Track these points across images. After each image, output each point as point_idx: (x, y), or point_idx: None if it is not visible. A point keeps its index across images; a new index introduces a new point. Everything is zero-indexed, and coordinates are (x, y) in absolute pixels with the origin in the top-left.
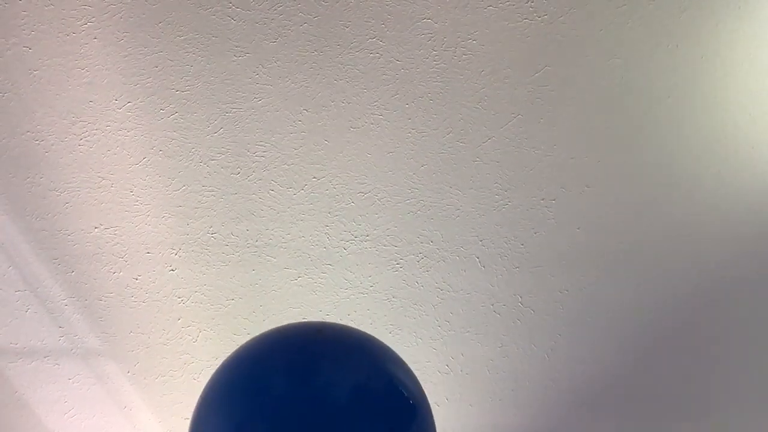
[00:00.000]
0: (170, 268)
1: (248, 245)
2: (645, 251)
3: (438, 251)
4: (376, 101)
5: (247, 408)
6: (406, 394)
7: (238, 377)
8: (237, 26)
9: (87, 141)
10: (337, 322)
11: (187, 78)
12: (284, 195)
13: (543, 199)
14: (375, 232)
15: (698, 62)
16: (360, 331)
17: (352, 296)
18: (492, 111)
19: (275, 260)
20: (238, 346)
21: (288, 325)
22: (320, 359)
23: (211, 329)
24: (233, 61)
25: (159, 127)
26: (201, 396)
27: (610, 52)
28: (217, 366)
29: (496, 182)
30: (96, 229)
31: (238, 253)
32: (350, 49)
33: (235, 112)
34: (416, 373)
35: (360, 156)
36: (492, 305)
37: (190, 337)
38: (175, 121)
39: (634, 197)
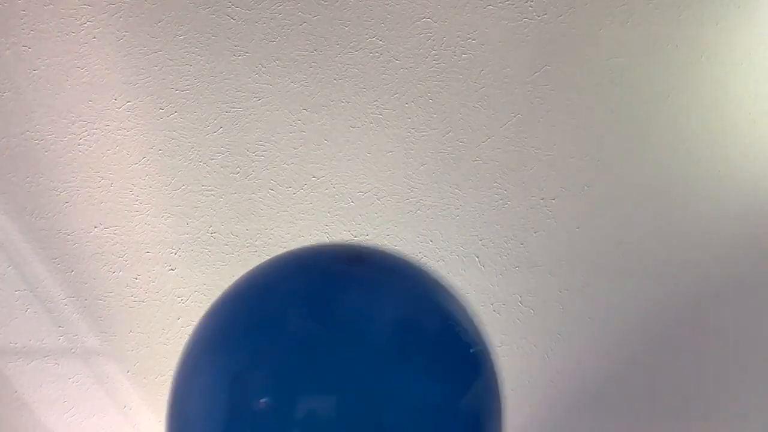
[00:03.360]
0: (170, 267)
1: (248, 245)
2: (645, 251)
3: (438, 251)
4: (376, 101)
5: (248, 349)
6: (467, 341)
7: (238, 310)
8: (236, 26)
9: (86, 140)
10: None
11: (186, 77)
12: (284, 194)
13: (543, 199)
14: (375, 231)
15: (698, 62)
16: (408, 257)
17: None
18: (492, 110)
19: None
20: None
21: (312, 245)
22: (351, 286)
23: None
24: (233, 60)
25: (158, 126)
26: (190, 337)
27: (610, 52)
28: None
29: (496, 182)
30: (96, 229)
31: (237, 253)
32: (350, 48)
33: (234, 112)
34: None
35: (360, 155)
36: (492, 305)
37: None
38: (175, 120)
39: (634, 197)
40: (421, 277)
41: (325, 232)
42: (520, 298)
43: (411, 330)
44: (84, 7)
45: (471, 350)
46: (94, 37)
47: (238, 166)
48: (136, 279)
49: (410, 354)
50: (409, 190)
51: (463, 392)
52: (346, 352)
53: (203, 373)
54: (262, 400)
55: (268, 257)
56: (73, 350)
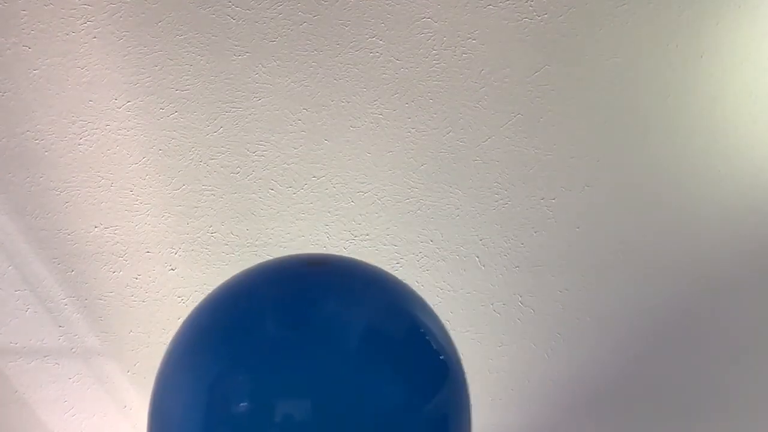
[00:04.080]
0: (170, 267)
1: (248, 245)
2: (645, 251)
3: (438, 251)
4: (376, 100)
5: (224, 357)
6: (435, 347)
7: (213, 319)
8: (237, 25)
9: (87, 140)
10: None
11: (186, 77)
12: (284, 194)
13: (543, 199)
14: (375, 231)
15: (698, 62)
16: (374, 266)
17: None
18: (492, 110)
19: None
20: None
21: (282, 257)
22: (323, 293)
23: None
24: (233, 60)
25: (159, 126)
26: (168, 347)
27: (610, 52)
28: None
29: (496, 181)
30: (96, 229)
31: (237, 253)
32: (350, 48)
33: (234, 112)
34: None
35: (360, 155)
36: (492, 305)
37: None
38: (175, 120)
39: (634, 197)
40: (392, 284)
41: (325, 232)
42: (520, 298)
43: (380, 335)
44: (84, 7)
45: (440, 357)
46: (94, 37)
47: (238, 166)
48: (137, 279)
49: (379, 359)
50: (409, 190)
51: (430, 398)
52: (317, 357)
53: (180, 380)
54: (240, 404)
55: (269, 257)
56: (73, 350)
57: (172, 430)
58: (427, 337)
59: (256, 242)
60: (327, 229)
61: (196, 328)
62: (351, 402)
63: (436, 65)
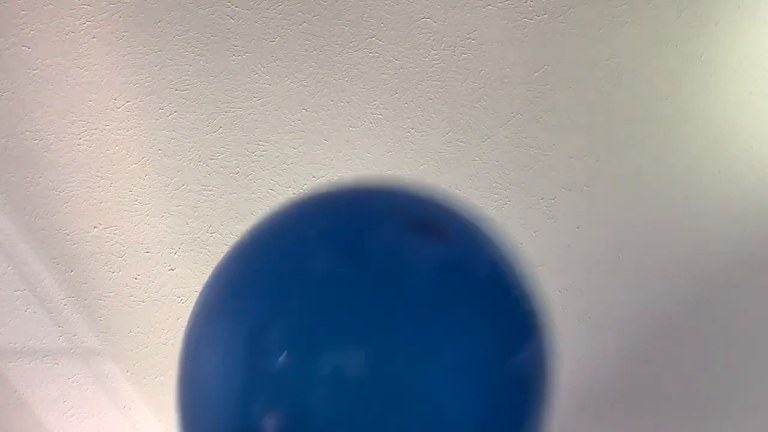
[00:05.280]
0: (169, 267)
1: None
2: (645, 251)
3: None
4: (375, 100)
5: (265, 301)
6: (520, 294)
7: (252, 258)
8: (236, 25)
9: (86, 140)
10: None
11: (186, 77)
12: (283, 195)
13: (542, 199)
14: None
15: (698, 62)
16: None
17: None
18: (491, 110)
19: None
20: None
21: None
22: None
23: None
24: (232, 60)
25: (158, 126)
26: (200, 295)
27: (610, 52)
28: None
29: (496, 182)
30: (95, 229)
31: None
32: (349, 48)
33: (234, 112)
34: None
35: (359, 156)
36: None
37: None
38: (174, 120)
39: (634, 197)
40: (474, 222)
41: None
42: None
43: (456, 276)
44: (84, 7)
45: (525, 306)
46: (94, 37)
47: (237, 166)
48: (136, 279)
49: (454, 305)
50: None
51: (514, 351)
52: (380, 300)
53: (213, 330)
54: (282, 356)
55: None
56: (72, 350)
57: (206, 391)
58: (512, 284)
59: None
60: None
61: (233, 268)
62: (417, 356)
63: (436, 65)
